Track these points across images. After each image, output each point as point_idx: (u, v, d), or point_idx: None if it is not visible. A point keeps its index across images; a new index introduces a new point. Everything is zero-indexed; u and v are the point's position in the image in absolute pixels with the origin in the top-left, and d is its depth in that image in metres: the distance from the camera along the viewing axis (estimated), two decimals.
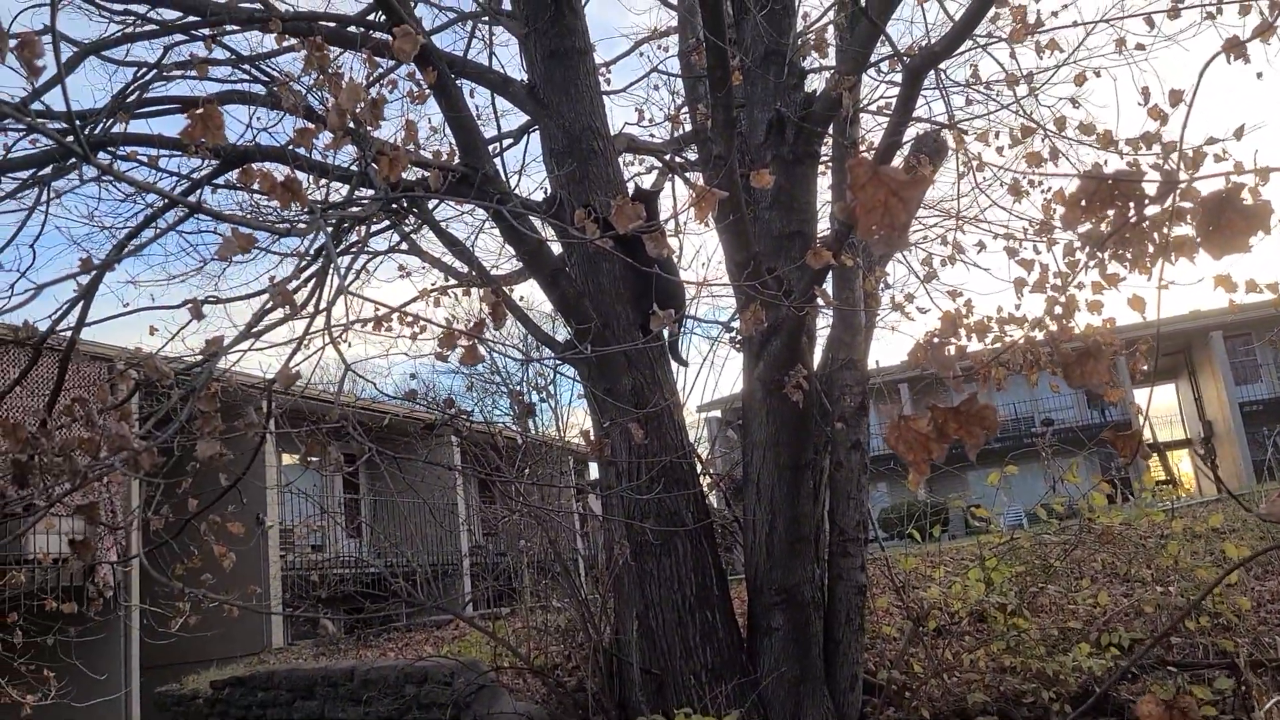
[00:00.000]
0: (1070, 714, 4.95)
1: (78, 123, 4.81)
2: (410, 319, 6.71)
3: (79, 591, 6.72)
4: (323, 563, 15.43)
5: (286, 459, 15.44)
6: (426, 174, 4.14)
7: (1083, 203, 1.43)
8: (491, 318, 2.34)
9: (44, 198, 5.19)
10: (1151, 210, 1.37)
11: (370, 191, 4.96)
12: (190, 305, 2.50)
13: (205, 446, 2.88)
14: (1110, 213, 1.43)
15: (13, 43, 2.50)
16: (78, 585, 9.56)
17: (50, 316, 4.12)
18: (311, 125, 3.39)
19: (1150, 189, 1.41)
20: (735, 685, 5.22)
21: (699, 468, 5.91)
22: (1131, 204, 1.39)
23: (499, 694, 5.95)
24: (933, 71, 6.14)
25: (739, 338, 6.00)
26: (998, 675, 5.61)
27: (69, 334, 4.63)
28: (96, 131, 4.80)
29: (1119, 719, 4.98)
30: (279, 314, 3.26)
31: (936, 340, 3.09)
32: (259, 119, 6.10)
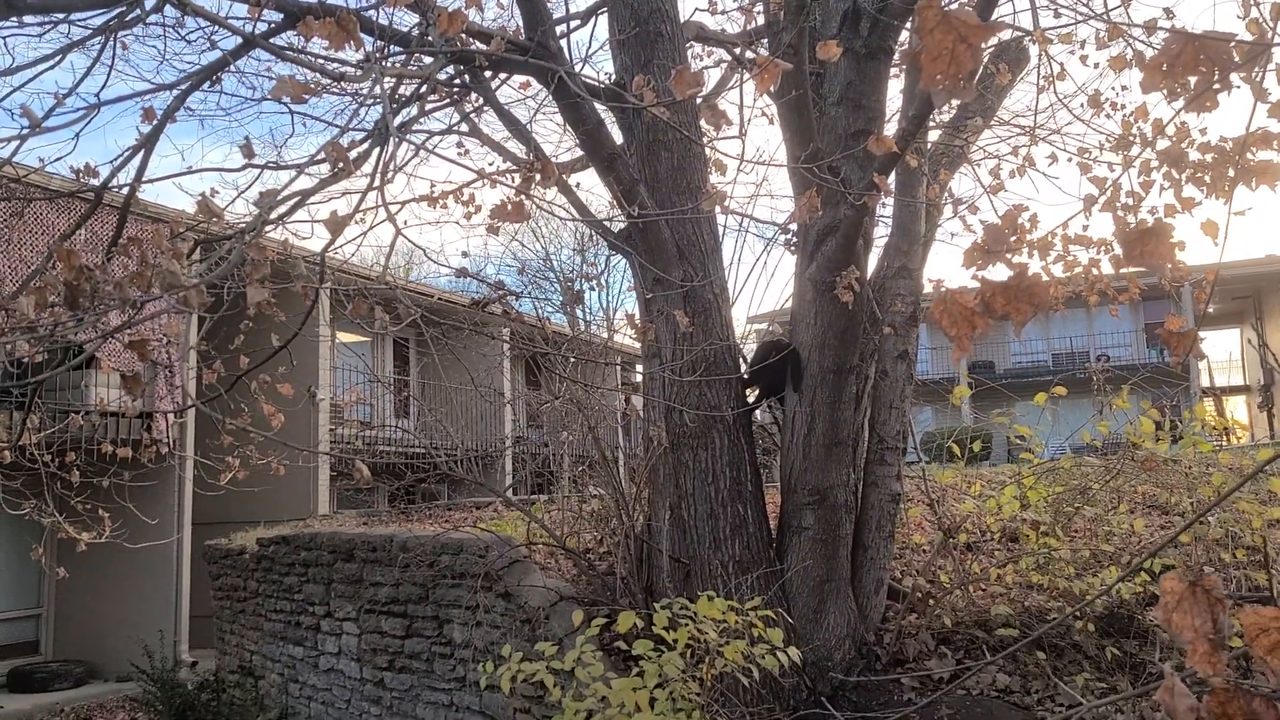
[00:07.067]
0: (1093, 633, 4.96)
1: None
2: (466, 198, 6.69)
3: (136, 444, 6.97)
4: (370, 437, 15.84)
5: (342, 336, 15.73)
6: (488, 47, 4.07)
7: (1164, 66, 1.35)
8: (541, 175, 2.31)
9: (110, 48, 5.21)
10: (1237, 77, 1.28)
11: (431, 61, 4.89)
12: (244, 146, 2.50)
13: (254, 292, 2.92)
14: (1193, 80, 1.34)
15: None
16: (135, 439, 9.93)
17: (111, 162, 4.17)
18: None
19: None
20: (760, 578, 5.30)
21: (743, 366, 5.89)
22: (1217, 69, 1.31)
23: (530, 569, 6.09)
24: None
25: (794, 240, 5.90)
26: (1024, 591, 5.62)
27: (129, 187, 4.69)
28: None
29: (1143, 642, 4.98)
30: (332, 180, 3.26)
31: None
32: None
